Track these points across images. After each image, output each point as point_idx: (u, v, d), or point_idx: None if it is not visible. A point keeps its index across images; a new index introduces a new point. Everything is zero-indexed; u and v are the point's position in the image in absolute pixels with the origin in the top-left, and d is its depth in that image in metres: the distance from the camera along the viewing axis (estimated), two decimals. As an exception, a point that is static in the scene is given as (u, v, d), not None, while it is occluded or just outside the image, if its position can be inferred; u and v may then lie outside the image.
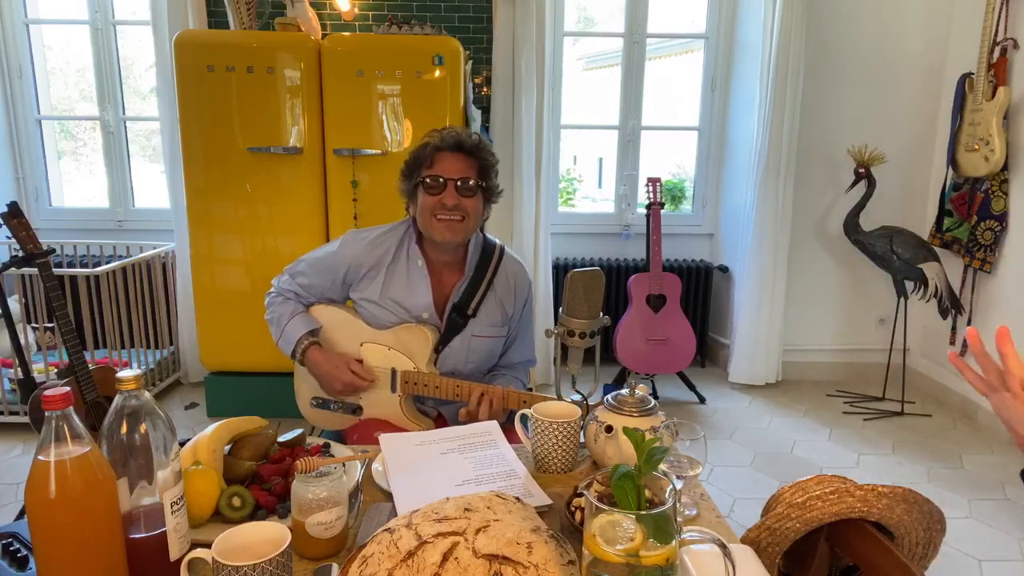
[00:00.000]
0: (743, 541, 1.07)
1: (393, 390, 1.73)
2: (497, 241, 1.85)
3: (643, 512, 0.79)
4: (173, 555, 0.95)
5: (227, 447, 1.21)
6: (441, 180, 1.66)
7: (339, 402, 1.78)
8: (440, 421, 1.83)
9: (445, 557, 0.82)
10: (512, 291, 1.82)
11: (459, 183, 1.66)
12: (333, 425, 1.81)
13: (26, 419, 2.68)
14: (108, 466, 0.88)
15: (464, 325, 1.76)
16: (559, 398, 1.45)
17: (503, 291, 1.81)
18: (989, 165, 3.15)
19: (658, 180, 3.57)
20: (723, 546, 0.82)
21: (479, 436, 1.36)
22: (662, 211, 3.55)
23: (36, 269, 2.30)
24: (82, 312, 3.26)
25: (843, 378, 3.95)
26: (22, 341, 2.58)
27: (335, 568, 0.97)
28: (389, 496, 1.18)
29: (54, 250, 2.48)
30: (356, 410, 1.77)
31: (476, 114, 3.37)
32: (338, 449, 1.35)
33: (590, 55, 5.92)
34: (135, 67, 4.05)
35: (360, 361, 1.73)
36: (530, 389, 1.75)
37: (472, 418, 1.62)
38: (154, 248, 3.69)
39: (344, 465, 1.15)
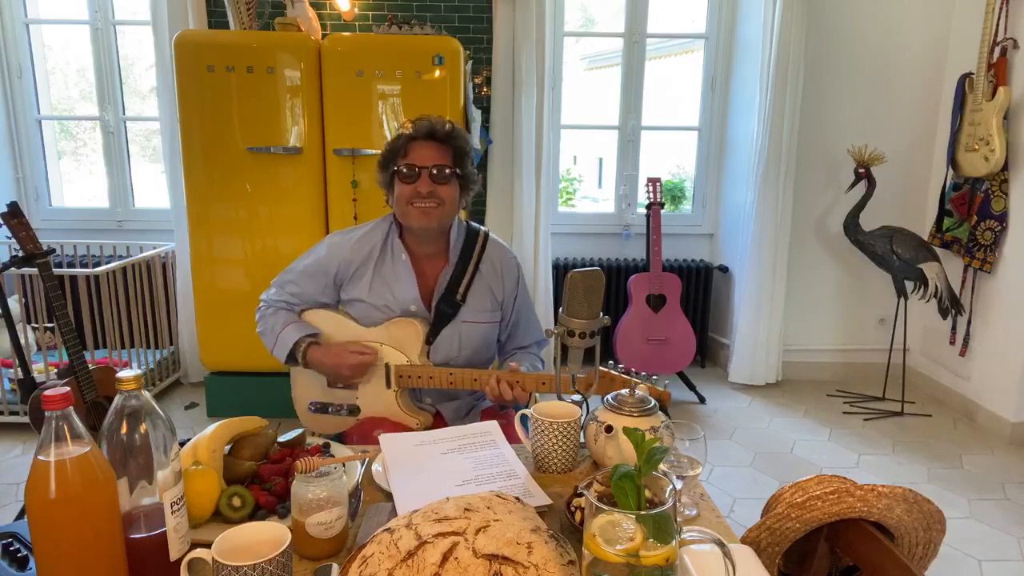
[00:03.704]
0: (743, 541, 1.07)
1: (388, 386, 1.74)
2: (481, 228, 1.86)
3: (643, 512, 0.79)
4: (173, 555, 0.95)
5: (227, 447, 1.21)
6: (416, 169, 1.67)
7: (337, 405, 1.79)
8: (439, 420, 1.83)
9: (445, 557, 0.82)
10: (499, 275, 1.84)
11: (433, 171, 1.68)
12: (332, 429, 1.81)
13: (26, 419, 2.69)
14: (108, 466, 0.88)
15: (454, 314, 1.77)
16: (559, 398, 1.45)
17: (490, 276, 1.82)
18: (989, 165, 3.15)
19: (658, 180, 3.57)
20: (723, 546, 0.82)
21: (479, 436, 1.36)
22: (662, 211, 3.55)
23: (36, 269, 2.30)
24: (82, 312, 3.26)
25: (843, 378, 3.95)
26: (22, 341, 2.58)
27: (335, 568, 0.97)
28: (389, 496, 1.18)
29: (54, 250, 2.48)
30: (354, 410, 1.77)
31: (476, 114, 3.37)
32: (338, 449, 1.35)
33: (591, 55, 5.93)
34: (135, 67, 4.04)
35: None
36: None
37: (499, 398, 1.66)
38: (154, 248, 3.69)
39: (344, 465, 1.15)
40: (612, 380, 1.59)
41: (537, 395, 1.73)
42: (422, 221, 1.69)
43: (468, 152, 1.75)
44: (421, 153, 1.69)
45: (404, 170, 1.68)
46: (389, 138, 3.03)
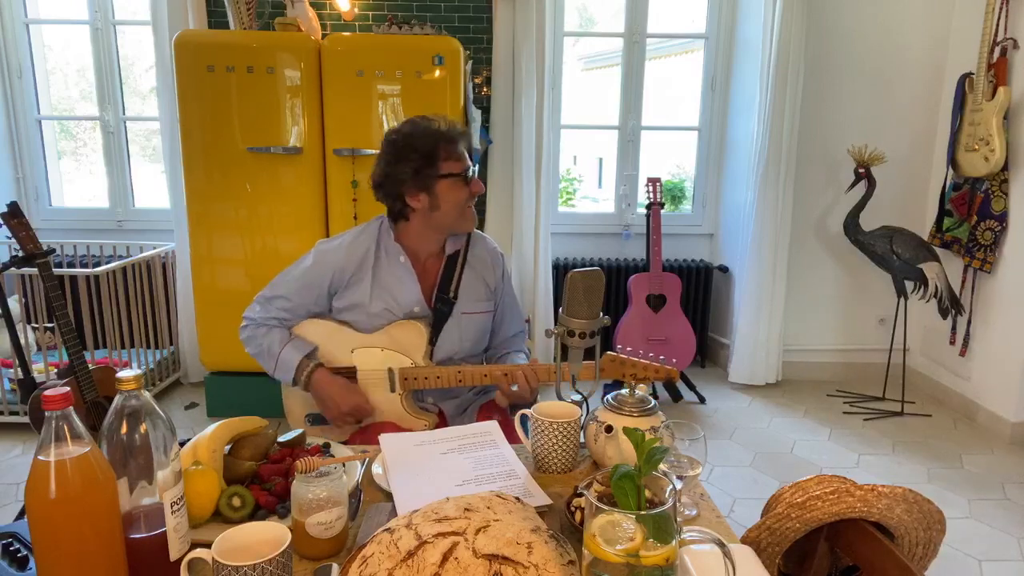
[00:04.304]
0: (743, 541, 1.07)
1: (392, 390, 1.73)
2: None
3: (643, 512, 0.79)
4: (173, 555, 0.95)
5: (227, 447, 1.21)
6: (469, 171, 1.69)
7: None
8: (441, 419, 1.83)
9: (445, 557, 0.82)
10: (489, 265, 1.85)
11: (476, 169, 1.73)
12: (335, 438, 1.79)
13: (26, 419, 2.69)
14: (108, 466, 0.88)
15: (451, 309, 1.77)
16: (559, 398, 1.45)
17: (481, 267, 1.83)
18: (989, 165, 3.15)
19: (658, 180, 3.57)
20: (723, 546, 0.82)
21: (479, 436, 1.36)
22: (662, 211, 3.55)
23: (36, 269, 2.30)
24: (82, 312, 3.26)
25: (843, 378, 3.95)
26: (22, 341, 2.58)
27: (335, 568, 0.97)
28: (389, 496, 1.18)
29: (54, 250, 2.48)
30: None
31: (476, 114, 3.37)
32: (338, 449, 1.35)
33: (590, 55, 5.93)
34: (135, 67, 4.05)
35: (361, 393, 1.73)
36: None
37: (512, 398, 1.68)
38: (154, 248, 3.69)
39: (344, 465, 1.15)
40: (622, 363, 1.59)
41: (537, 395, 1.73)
42: (473, 222, 1.74)
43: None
44: (462, 155, 1.69)
45: (459, 173, 1.66)
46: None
